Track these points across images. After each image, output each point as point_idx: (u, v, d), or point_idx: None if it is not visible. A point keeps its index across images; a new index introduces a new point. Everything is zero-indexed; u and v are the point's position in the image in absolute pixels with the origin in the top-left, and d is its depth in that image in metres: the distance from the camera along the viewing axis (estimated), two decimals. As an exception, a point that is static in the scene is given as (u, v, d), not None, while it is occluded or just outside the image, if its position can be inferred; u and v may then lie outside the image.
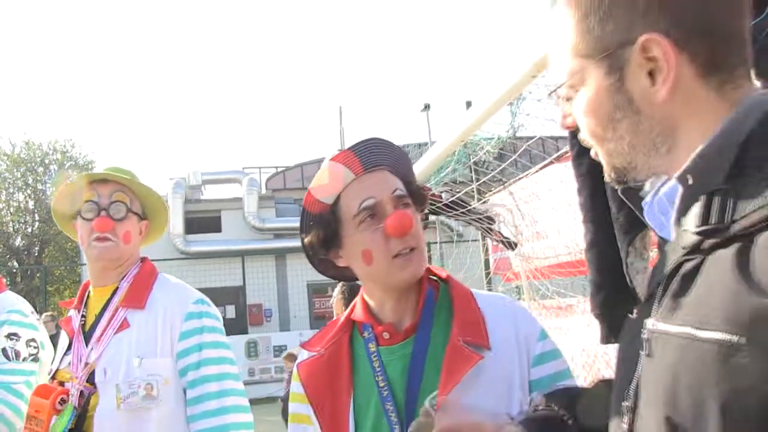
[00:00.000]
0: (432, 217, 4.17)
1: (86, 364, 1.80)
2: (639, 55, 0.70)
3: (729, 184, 0.64)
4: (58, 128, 49.66)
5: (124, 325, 1.81)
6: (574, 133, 1.36)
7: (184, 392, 1.81)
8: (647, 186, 0.79)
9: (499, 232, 4.64)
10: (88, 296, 1.96)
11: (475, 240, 6.51)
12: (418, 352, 1.22)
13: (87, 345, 1.83)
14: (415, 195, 1.31)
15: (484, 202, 4.78)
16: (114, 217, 1.86)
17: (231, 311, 15.69)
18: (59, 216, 2.01)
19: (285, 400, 8.49)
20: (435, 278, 1.35)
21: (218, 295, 15.84)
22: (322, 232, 1.29)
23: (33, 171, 19.28)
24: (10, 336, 2.19)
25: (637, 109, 0.73)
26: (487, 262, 6.16)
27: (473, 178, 5.01)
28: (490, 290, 6.30)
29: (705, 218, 0.65)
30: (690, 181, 0.68)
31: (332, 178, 1.28)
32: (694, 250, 0.66)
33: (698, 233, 0.65)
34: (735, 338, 0.59)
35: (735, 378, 0.58)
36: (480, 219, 4.40)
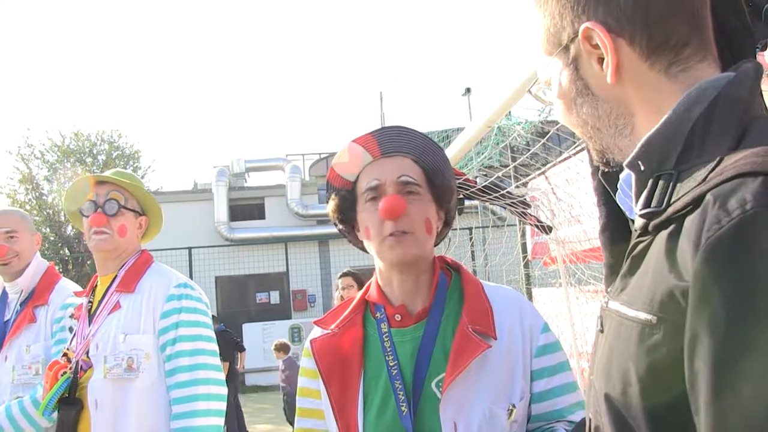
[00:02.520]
0: (468, 202, 4.17)
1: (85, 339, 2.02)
2: (585, 44, 0.75)
3: (676, 169, 0.67)
4: (106, 119, 50.80)
5: (116, 306, 2.02)
6: None
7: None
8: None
9: (534, 217, 4.63)
10: (96, 285, 2.18)
11: (512, 224, 6.50)
12: (428, 336, 1.27)
13: (90, 325, 2.05)
14: (435, 185, 1.34)
15: (518, 186, 4.78)
16: (108, 213, 2.07)
17: (275, 297, 15.93)
18: (70, 213, 2.23)
19: (288, 396, 7.85)
20: (448, 267, 1.40)
21: (263, 281, 16.15)
22: (341, 203, 1.38)
23: (82, 161, 19.66)
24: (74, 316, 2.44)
25: (593, 95, 0.77)
26: (524, 246, 6.15)
27: (509, 163, 5.01)
28: (527, 275, 6.30)
29: (648, 201, 0.68)
30: (642, 168, 0.71)
31: (352, 158, 1.37)
32: (644, 232, 0.69)
33: (641, 215, 0.68)
34: (650, 317, 0.62)
35: (650, 355, 0.62)
36: (515, 203, 4.40)
